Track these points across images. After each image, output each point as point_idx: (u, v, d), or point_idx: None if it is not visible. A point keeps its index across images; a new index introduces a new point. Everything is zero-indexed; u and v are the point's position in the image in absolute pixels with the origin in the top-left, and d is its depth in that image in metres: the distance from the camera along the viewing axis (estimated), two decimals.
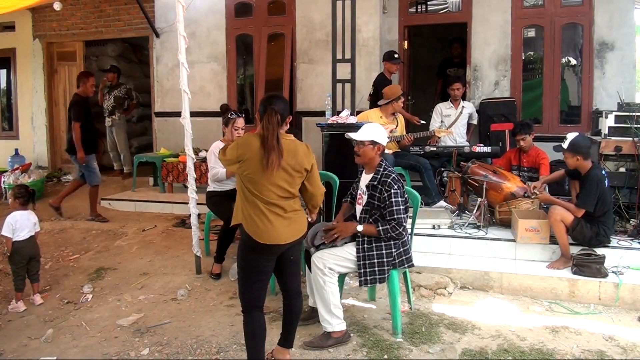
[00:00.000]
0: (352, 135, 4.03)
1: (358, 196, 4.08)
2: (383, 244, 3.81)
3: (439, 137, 6.57)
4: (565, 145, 4.83)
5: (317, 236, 3.98)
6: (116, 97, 9.48)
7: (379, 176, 3.85)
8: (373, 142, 3.89)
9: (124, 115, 9.64)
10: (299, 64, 8.28)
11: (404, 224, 3.76)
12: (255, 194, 3.21)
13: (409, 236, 4.08)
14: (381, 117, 6.24)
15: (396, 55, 6.97)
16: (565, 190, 5.85)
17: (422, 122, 6.86)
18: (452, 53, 7.84)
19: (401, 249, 3.89)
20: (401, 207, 3.76)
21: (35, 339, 4.13)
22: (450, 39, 7.84)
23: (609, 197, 4.85)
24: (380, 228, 3.77)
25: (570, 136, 4.84)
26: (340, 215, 4.26)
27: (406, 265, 3.98)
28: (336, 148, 5.47)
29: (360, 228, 3.86)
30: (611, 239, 4.93)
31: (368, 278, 3.83)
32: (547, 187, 5.97)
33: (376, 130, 3.98)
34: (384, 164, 3.91)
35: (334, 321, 3.78)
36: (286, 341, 3.56)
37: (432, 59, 9.75)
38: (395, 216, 3.73)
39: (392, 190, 3.75)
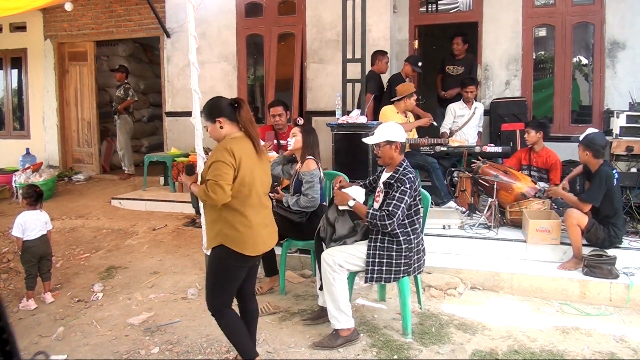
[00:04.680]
0: (367, 140, 4.02)
1: (376, 193, 4.09)
2: (395, 246, 3.78)
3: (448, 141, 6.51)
4: (581, 137, 4.87)
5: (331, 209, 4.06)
6: (116, 97, 9.54)
7: (397, 174, 3.82)
8: (389, 142, 3.87)
9: (121, 113, 9.61)
10: (309, 63, 8.27)
11: (394, 218, 3.66)
12: (249, 196, 3.17)
13: (423, 243, 4.04)
14: (397, 113, 6.21)
15: (420, 64, 6.93)
16: (577, 189, 5.81)
17: (434, 123, 6.78)
18: (452, 49, 7.64)
19: (415, 257, 3.88)
20: (402, 204, 3.69)
21: (46, 337, 4.17)
22: (451, 35, 7.68)
23: (619, 196, 4.82)
24: (370, 211, 3.75)
25: (589, 130, 4.89)
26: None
27: (417, 272, 4.01)
28: (346, 148, 5.46)
29: (352, 203, 3.85)
30: (622, 240, 4.89)
31: (375, 276, 3.81)
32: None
33: (390, 128, 3.93)
34: (404, 164, 3.88)
35: (342, 318, 3.76)
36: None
37: None
38: (390, 208, 3.68)
39: (403, 187, 3.72)
